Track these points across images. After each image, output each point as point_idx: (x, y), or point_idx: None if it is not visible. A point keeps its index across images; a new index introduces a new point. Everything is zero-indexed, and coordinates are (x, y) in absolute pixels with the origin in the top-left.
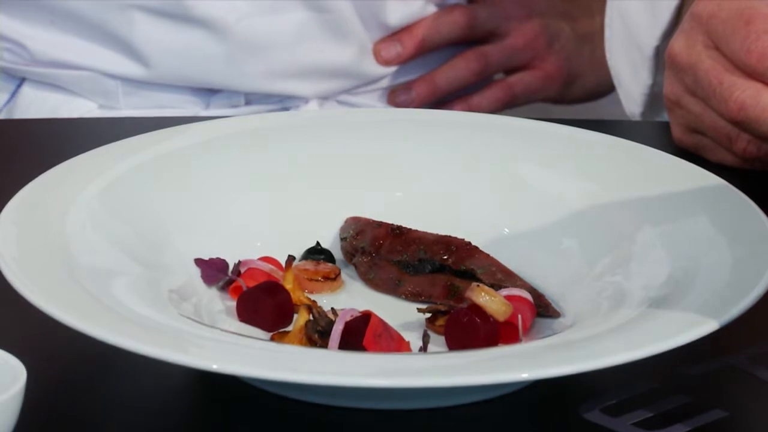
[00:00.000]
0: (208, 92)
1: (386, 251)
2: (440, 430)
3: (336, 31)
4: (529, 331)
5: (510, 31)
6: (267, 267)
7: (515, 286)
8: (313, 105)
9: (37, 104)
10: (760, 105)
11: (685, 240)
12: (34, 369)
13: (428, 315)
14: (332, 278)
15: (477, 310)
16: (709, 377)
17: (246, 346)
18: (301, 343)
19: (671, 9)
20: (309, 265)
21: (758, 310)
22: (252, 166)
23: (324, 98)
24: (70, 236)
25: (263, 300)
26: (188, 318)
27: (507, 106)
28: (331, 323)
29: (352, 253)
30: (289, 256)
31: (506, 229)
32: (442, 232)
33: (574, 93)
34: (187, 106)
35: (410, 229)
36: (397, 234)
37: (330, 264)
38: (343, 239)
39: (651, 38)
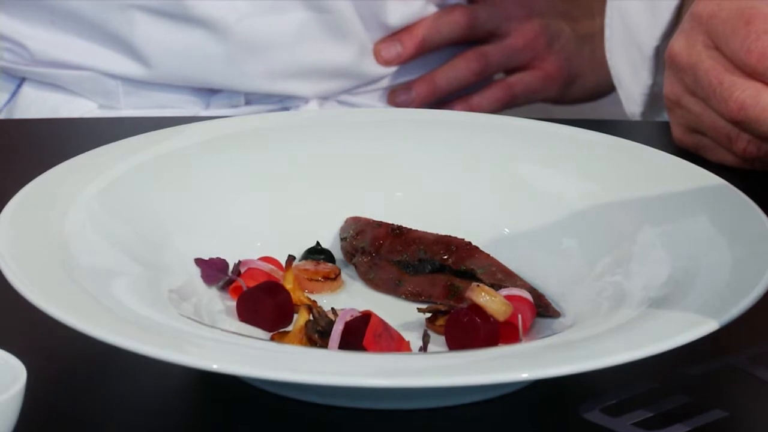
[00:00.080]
0: (208, 92)
1: (386, 251)
2: (440, 430)
3: (336, 31)
4: (529, 331)
5: (510, 31)
6: (267, 267)
7: (515, 286)
8: (313, 105)
9: (37, 104)
10: (760, 105)
11: (685, 240)
12: (34, 369)
13: (428, 315)
14: (332, 278)
15: (477, 310)
16: (709, 377)
17: (246, 346)
18: (301, 343)
19: (671, 9)
20: (309, 265)
21: (758, 310)
22: (252, 166)
23: (324, 98)
24: (69, 236)
25: (263, 300)
26: (188, 318)
27: (507, 106)
28: (331, 323)
29: (352, 253)
30: (289, 256)
31: (506, 229)
32: (442, 232)
33: (574, 93)
34: (187, 106)
35: (410, 229)
36: (397, 234)
37: (330, 264)
38: (343, 239)
39: (651, 38)
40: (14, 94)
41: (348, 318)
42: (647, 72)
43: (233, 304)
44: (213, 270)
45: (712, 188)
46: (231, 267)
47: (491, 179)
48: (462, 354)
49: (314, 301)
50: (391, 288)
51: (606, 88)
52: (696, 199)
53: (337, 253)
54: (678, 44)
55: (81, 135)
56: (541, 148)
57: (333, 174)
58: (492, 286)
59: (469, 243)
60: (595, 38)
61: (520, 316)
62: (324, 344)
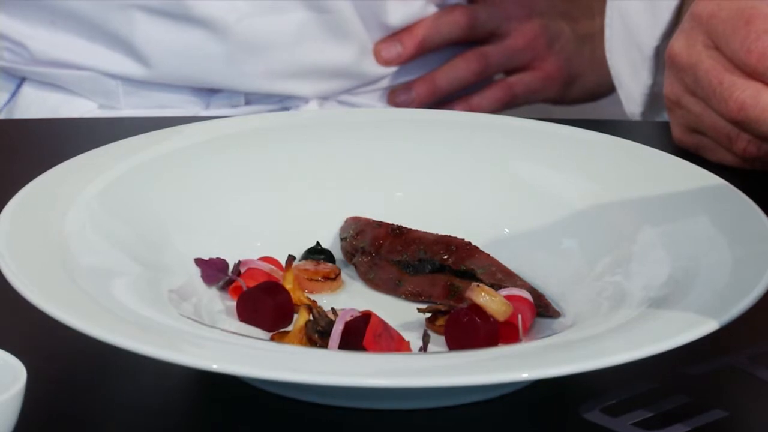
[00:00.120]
0: (208, 92)
1: (386, 251)
2: (440, 430)
3: (336, 31)
4: (529, 331)
5: (510, 31)
6: (267, 267)
7: (515, 286)
8: (313, 105)
9: (37, 104)
10: (760, 105)
11: (685, 240)
12: (34, 369)
13: (428, 315)
14: (332, 278)
15: (477, 310)
16: (709, 377)
17: (246, 346)
18: (301, 343)
19: (671, 9)
20: (309, 265)
21: (758, 310)
22: (252, 166)
23: (324, 98)
24: (69, 236)
25: (263, 300)
26: (188, 318)
27: (507, 106)
28: (331, 323)
29: (352, 253)
30: (289, 256)
31: (506, 229)
32: (442, 232)
33: (574, 94)
34: (187, 106)
35: (410, 229)
36: (397, 234)
37: (330, 264)
38: (343, 239)
39: (651, 38)
40: (14, 93)
41: (348, 318)
42: (647, 72)
43: (233, 304)
44: (213, 270)
45: (712, 188)
46: (231, 267)
47: (491, 179)
48: (462, 354)
49: (314, 301)
50: (391, 288)
51: (606, 88)
52: (696, 199)
53: (337, 253)
54: (678, 44)
55: (81, 135)
56: (541, 148)
57: (333, 174)
58: (492, 286)
59: (469, 243)
60: (595, 38)
61: (520, 316)
62: (324, 344)
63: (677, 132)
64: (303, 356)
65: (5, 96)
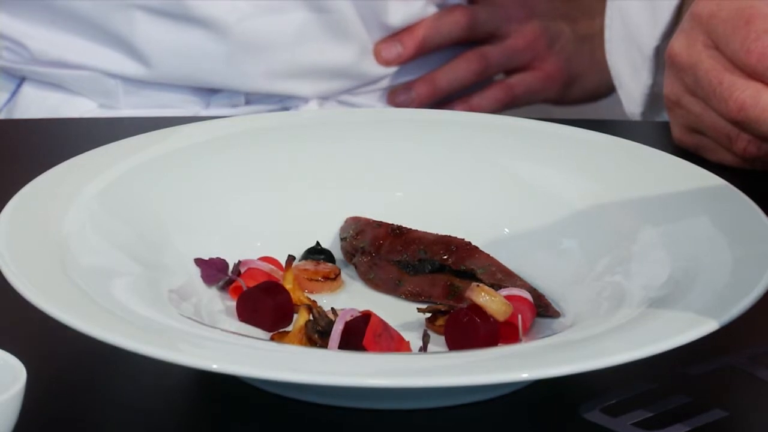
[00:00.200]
0: (209, 92)
1: (386, 251)
2: (440, 430)
3: (336, 31)
4: (529, 331)
5: (510, 32)
6: (267, 267)
7: (515, 286)
8: (313, 105)
9: (37, 104)
10: (760, 105)
11: (685, 240)
12: (34, 369)
13: (428, 315)
14: (332, 278)
15: (477, 310)
16: (709, 377)
17: (246, 346)
18: (301, 343)
19: (671, 9)
20: (309, 265)
21: (758, 310)
22: (252, 166)
23: (324, 98)
24: (69, 236)
25: (263, 300)
26: (188, 318)
27: (507, 106)
28: (331, 323)
29: (352, 253)
30: (289, 256)
31: (506, 229)
32: (442, 232)
33: (574, 94)
34: (187, 106)
35: (410, 229)
36: (397, 234)
37: (330, 264)
38: (343, 239)
39: (651, 38)
40: (14, 93)
41: (348, 318)
42: (647, 72)
43: (233, 304)
44: (213, 270)
45: (712, 188)
46: (231, 267)
47: (491, 179)
48: (462, 354)
49: (314, 301)
50: (391, 288)
51: (606, 89)
52: (696, 199)
53: (337, 253)
54: (678, 44)
55: (81, 135)
56: (541, 148)
57: (333, 174)
58: (492, 286)
59: (469, 243)
60: (595, 39)
61: (520, 316)
62: (324, 344)
63: (677, 132)
64: (303, 356)
65: (5, 95)
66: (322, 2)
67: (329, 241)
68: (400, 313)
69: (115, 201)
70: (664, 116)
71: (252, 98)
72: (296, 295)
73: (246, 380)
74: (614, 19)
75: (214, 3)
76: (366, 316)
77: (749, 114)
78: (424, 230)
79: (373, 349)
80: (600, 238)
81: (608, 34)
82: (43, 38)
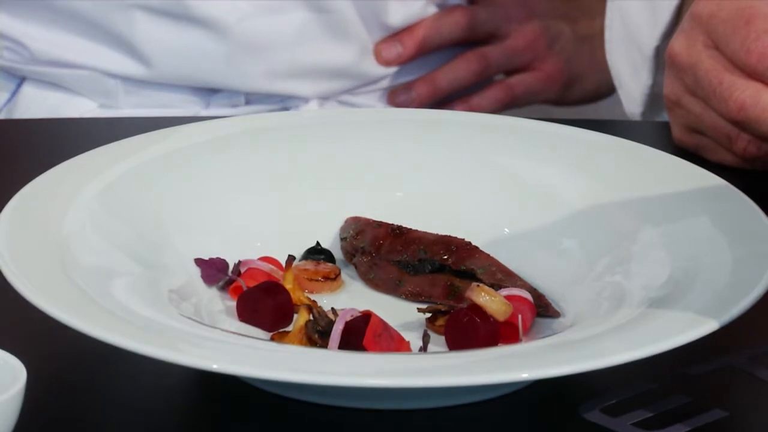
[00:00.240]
0: (209, 92)
1: (386, 251)
2: (440, 430)
3: (337, 31)
4: (529, 331)
5: (510, 32)
6: (267, 267)
7: (515, 286)
8: (313, 105)
9: (37, 103)
10: (760, 105)
11: (685, 240)
12: (34, 369)
13: (428, 315)
14: (332, 278)
15: (477, 310)
16: (709, 377)
17: (246, 346)
18: (301, 343)
19: (671, 9)
20: (309, 265)
21: (758, 310)
22: (252, 166)
23: (324, 98)
24: (69, 236)
25: (263, 300)
26: (188, 318)
27: (507, 107)
28: (331, 323)
29: (352, 253)
30: (289, 256)
31: (506, 229)
32: (442, 232)
33: (574, 95)
34: (188, 106)
35: (410, 229)
36: (397, 234)
37: (330, 264)
38: (343, 239)
39: (651, 38)
40: (14, 93)
41: (348, 318)
42: (647, 72)
43: (233, 304)
44: (213, 270)
45: (712, 188)
46: (231, 267)
47: (491, 179)
48: (462, 354)
49: (314, 301)
50: (391, 288)
51: (606, 89)
52: (696, 200)
53: (337, 253)
54: (678, 44)
55: (81, 135)
56: (541, 148)
57: (333, 174)
58: (492, 286)
59: (469, 243)
60: (595, 39)
61: (520, 316)
62: (324, 344)
63: (677, 132)
64: (303, 356)
65: (5, 95)
66: (322, 2)
67: (329, 241)
68: (400, 313)
69: (115, 201)
70: (664, 116)
71: (252, 98)
72: (296, 295)
73: (246, 380)
74: (614, 19)
75: (214, 3)
76: (366, 316)
77: (749, 114)
78: (424, 230)
79: (373, 349)
80: (600, 238)
81: (608, 34)
82: (44, 38)
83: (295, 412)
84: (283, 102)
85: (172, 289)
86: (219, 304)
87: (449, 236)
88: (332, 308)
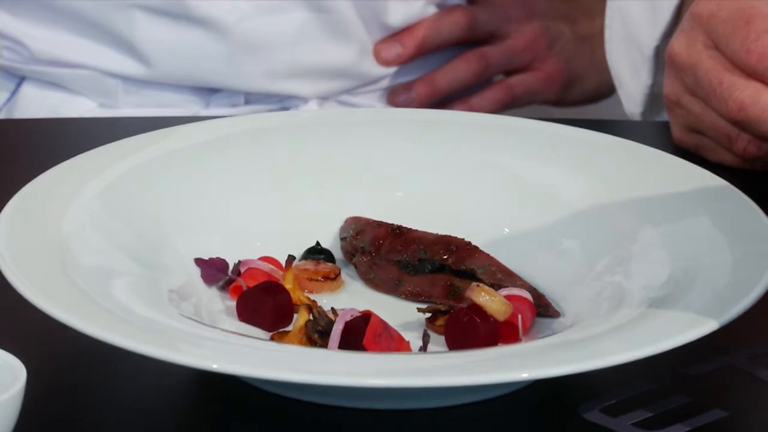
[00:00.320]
0: (208, 92)
1: (386, 251)
2: (440, 430)
3: (336, 31)
4: (529, 331)
5: (510, 32)
6: (267, 267)
7: (515, 285)
8: (312, 105)
9: (37, 103)
10: (759, 105)
11: (685, 240)
12: (34, 369)
13: (428, 315)
14: (332, 278)
15: (477, 309)
16: (709, 377)
17: (246, 345)
18: (301, 342)
19: (671, 9)
20: (309, 264)
21: (758, 310)
22: (252, 166)
23: (324, 98)
24: (69, 236)
25: (263, 300)
26: (188, 318)
27: (507, 107)
28: (331, 323)
29: (352, 252)
30: (289, 255)
31: (506, 229)
32: (442, 232)
33: (573, 95)
34: (187, 106)
35: (410, 229)
36: (397, 234)
37: (330, 264)
38: (343, 239)
39: (651, 38)
40: (14, 93)
41: (348, 318)
42: (647, 72)
43: (233, 304)
44: (213, 270)
45: (712, 188)
46: (231, 267)
47: (491, 179)
48: (462, 354)
49: (314, 301)
50: (391, 288)
51: (606, 90)
52: (696, 199)
53: (337, 253)
54: (678, 44)
55: (81, 135)
56: (542, 148)
57: (333, 174)
58: (492, 286)
59: (469, 243)
60: (595, 40)
61: (520, 316)
62: (324, 344)
63: (677, 132)
64: (303, 356)
65: (5, 95)
66: (322, 2)
67: (329, 241)
68: (400, 313)
69: (115, 201)
70: (664, 116)
71: (252, 98)
72: (296, 295)
73: (246, 380)
74: (614, 19)
75: (214, 3)
76: (366, 316)
77: (749, 114)
78: (424, 230)
79: (373, 349)
80: (600, 238)
81: (608, 34)
82: (44, 38)
83: (295, 412)
84: (283, 102)
85: (172, 289)
86: (219, 303)
87: (449, 236)
88: (332, 308)
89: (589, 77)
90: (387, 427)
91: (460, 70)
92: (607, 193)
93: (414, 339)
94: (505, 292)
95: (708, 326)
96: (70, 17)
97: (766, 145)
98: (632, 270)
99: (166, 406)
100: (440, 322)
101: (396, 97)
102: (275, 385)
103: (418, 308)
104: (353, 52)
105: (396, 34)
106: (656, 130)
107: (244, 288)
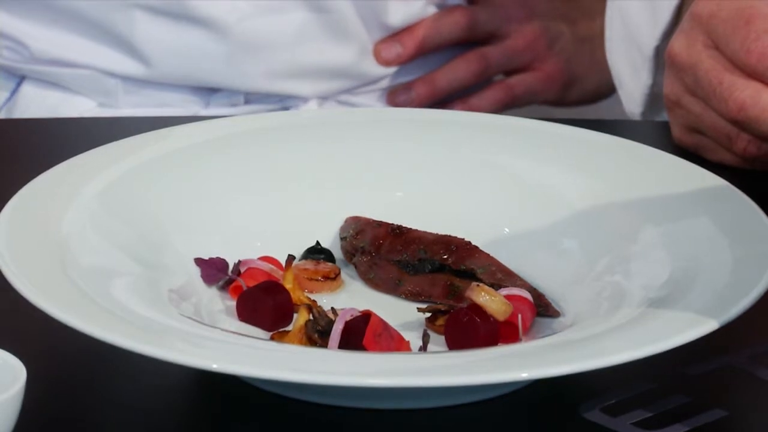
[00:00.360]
0: (208, 91)
1: (386, 251)
2: (440, 430)
3: (336, 31)
4: (529, 331)
5: (510, 32)
6: (267, 266)
7: (515, 285)
8: (312, 105)
9: (37, 102)
10: (759, 105)
11: (685, 240)
12: (34, 369)
13: (428, 314)
14: (332, 278)
15: (477, 309)
16: (708, 377)
17: (246, 345)
18: (301, 342)
19: (671, 9)
20: (309, 264)
21: (758, 309)
22: (252, 166)
23: (324, 98)
24: (69, 236)
25: (263, 299)
26: (188, 318)
27: (507, 107)
28: (331, 323)
29: (352, 252)
30: (289, 255)
31: (506, 229)
32: (442, 232)
33: (573, 96)
34: (187, 105)
35: (410, 228)
36: (397, 234)
37: (330, 263)
38: (343, 239)
39: (651, 38)
40: (14, 92)
41: (348, 317)
42: (647, 72)
43: (233, 303)
44: (213, 270)
45: (712, 188)
46: (231, 267)
47: (491, 179)
48: (462, 354)
49: (314, 301)
50: (391, 288)
51: (605, 90)
52: (696, 200)
53: (337, 253)
54: (678, 44)
55: (81, 135)
56: (542, 148)
57: (333, 174)
58: (492, 285)
59: (469, 243)
60: (595, 40)
61: (519, 315)
62: (324, 344)
63: (677, 132)
64: (303, 356)
65: (5, 94)
66: (322, 2)
67: (329, 240)
68: (400, 313)
69: (115, 201)
70: (664, 116)
71: (252, 98)
72: (296, 295)
73: (246, 380)
74: (614, 19)
75: (214, 3)
76: (366, 316)
77: (749, 114)
78: (424, 230)
79: (373, 348)
80: (600, 238)
81: (608, 34)
82: (44, 37)
83: (295, 412)
84: (283, 102)
85: (172, 288)
86: (219, 303)
87: (449, 236)
88: (332, 308)
89: (589, 78)
90: (387, 427)
91: (460, 70)
92: (607, 193)
93: (414, 339)
94: (505, 291)
95: (708, 326)
96: (70, 17)
97: (765, 145)
98: (632, 270)
99: (166, 406)
100: (440, 321)
101: (396, 97)
102: (275, 384)
103: (418, 308)
104: (353, 52)
105: (396, 34)
106: (656, 130)
107: (244, 288)
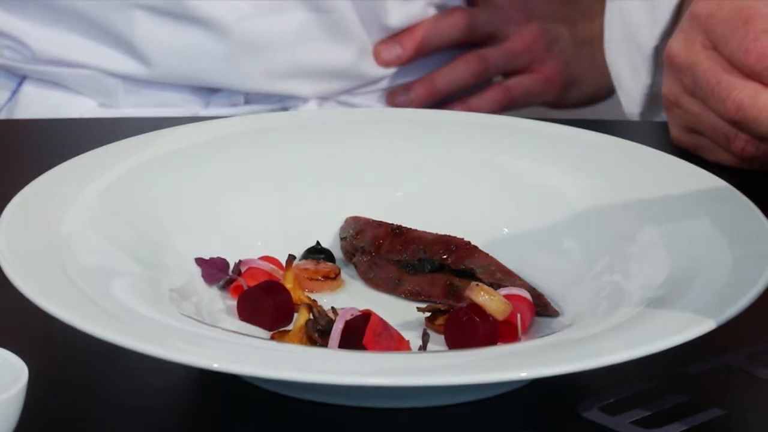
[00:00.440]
0: (208, 91)
1: (386, 251)
2: (440, 430)
3: (336, 31)
4: (528, 330)
5: (509, 34)
6: (267, 266)
7: (514, 285)
8: (312, 105)
9: (37, 102)
10: (757, 105)
11: (684, 240)
12: (35, 368)
13: (428, 314)
14: (332, 277)
15: (476, 309)
16: (707, 376)
17: (246, 345)
18: (301, 342)
19: (671, 9)
20: (309, 264)
21: (756, 309)
22: (252, 166)
23: (323, 98)
24: (70, 236)
25: (264, 299)
26: (189, 317)
27: (505, 108)
28: (331, 322)
29: (352, 252)
30: (290, 255)
31: (506, 229)
32: (442, 232)
33: (572, 97)
34: (187, 105)
35: (410, 228)
36: (397, 233)
37: (330, 263)
38: (343, 239)
39: (650, 38)
40: (15, 92)
41: (348, 317)
42: (646, 72)
43: (234, 303)
44: (213, 269)
45: (711, 188)
46: (231, 266)
47: (491, 179)
48: (461, 353)
49: (314, 301)
50: (391, 287)
51: (604, 92)
52: (695, 200)
53: (337, 253)
54: (676, 44)
55: (81, 135)
56: (541, 148)
57: (333, 174)
58: (491, 285)
59: (469, 242)
60: (594, 42)
61: (519, 315)
62: (324, 343)
63: (676, 132)
64: (303, 355)
65: (6, 94)
66: (322, 2)
67: (329, 240)
68: (399, 313)
69: (115, 201)
70: (663, 116)
71: (251, 98)
72: (296, 295)
73: (246, 379)
74: (614, 19)
75: (214, 3)
76: (366, 316)
77: (747, 114)
78: (424, 230)
79: (373, 348)
80: (599, 238)
81: (608, 34)
82: (44, 37)
83: (296, 411)
84: (283, 102)
85: (173, 288)
86: (219, 303)
87: (449, 236)
88: (332, 307)
89: (588, 80)
90: (386, 426)
91: (459, 71)
92: (607, 193)
93: (414, 338)
94: (504, 291)
95: (706, 326)
96: (71, 17)
97: (764, 145)
98: (631, 270)
99: (167, 405)
100: (440, 321)
101: (395, 97)
102: (275, 384)
103: (417, 307)
104: (353, 53)
105: (396, 35)
106: (655, 130)
107: (245, 287)
